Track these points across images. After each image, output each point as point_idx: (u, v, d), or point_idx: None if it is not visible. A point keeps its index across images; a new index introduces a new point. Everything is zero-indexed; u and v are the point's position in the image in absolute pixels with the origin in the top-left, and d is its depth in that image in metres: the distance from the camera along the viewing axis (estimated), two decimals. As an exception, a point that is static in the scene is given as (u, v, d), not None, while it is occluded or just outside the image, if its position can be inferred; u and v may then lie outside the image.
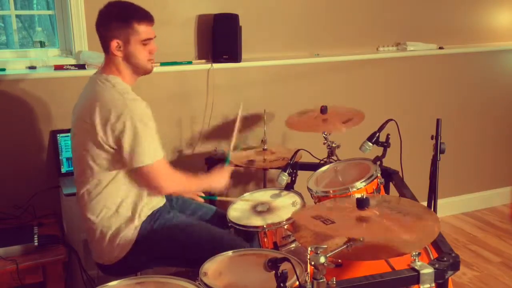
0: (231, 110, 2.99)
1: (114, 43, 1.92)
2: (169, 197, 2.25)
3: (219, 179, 2.16)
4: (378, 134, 2.23)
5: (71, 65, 2.55)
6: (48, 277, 2.11)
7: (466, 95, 3.72)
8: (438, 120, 1.96)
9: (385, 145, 2.17)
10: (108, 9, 1.95)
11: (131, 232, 1.97)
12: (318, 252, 1.31)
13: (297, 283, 1.48)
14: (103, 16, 1.95)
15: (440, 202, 2.13)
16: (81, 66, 2.56)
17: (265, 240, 1.99)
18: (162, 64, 2.71)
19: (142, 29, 1.93)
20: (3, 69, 2.50)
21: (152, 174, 1.91)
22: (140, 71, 2.01)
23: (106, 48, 1.96)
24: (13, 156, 2.53)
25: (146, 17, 1.95)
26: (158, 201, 2.12)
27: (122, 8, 1.95)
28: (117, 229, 1.96)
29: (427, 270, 1.47)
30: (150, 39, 1.97)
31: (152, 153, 1.89)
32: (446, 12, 3.56)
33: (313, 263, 1.31)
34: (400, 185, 2.19)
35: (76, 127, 1.97)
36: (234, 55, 2.86)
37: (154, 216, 2.05)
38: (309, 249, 1.32)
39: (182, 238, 1.99)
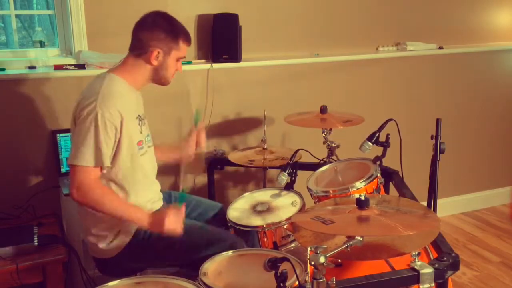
0: (231, 110, 3.00)
1: (155, 52, 1.94)
2: (167, 199, 2.25)
3: (156, 219, 1.88)
4: (378, 134, 2.23)
5: (71, 65, 2.55)
6: (48, 277, 2.11)
7: (466, 95, 3.72)
8: (438, 120, 1.96)
9: (385, 145, 2.17)
10: (158, 19, 1.98)
11: (127, 232, 1.96)
12: (318, 252, 1.31)
13: (297, 283, 1.48)
14: (151, 23, 1.97)
15: (440, 202, 2.14)
16: (81, 66, 2.56)
17: (265, 240, 1.99)
18: (162, 64, 2.71)
19: (183, 47, 2.01)
20: (3, 69, 2.50)
21: (71, 173, 1.87)
22: (159, 81, 2.04)
23: (140, 53, 1.96)
24: (13, 156, 2.53)
25: (189, 37, 2.03)
26: (154, 206, 2.12)
27: (172, 22, 2.00)
28: (111, 230, 1.96)
29: (427, 270, 1.48)
30: (183, 57, 2.04)
31: (86, 156, 1.84)
32: (446, 12, 3.56)
33: (313, 263, 1.31)
34: (400, 185, 2.19)
35: (70, 120, 1.98)
36: (234, 55, 2.86)
37: None
38: (309, 249, 1.32)
39: (178, 240, 1.97)
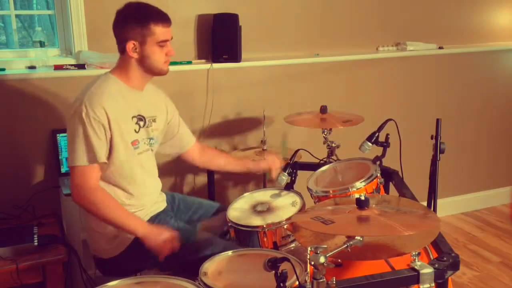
0: (231, 110, 3.00)
1: (130, 44, 1.92)
2: (171, 200, 2.25)
3: (152, 232, 1.89)
4: (377, 134, 2.23)
5: (71, 65, 2.55)
6: (48, 277, 2.11)
7: (466, 95, 3.72)
8: (438, 120, 1.96)
9: (385, 145, 2.17)
10: (125, 10, 1.96)
11: (128, 234, 1.96)
12: (318, 252, 1.31)
13: (297, 283, 1.48)
14: (120, 17, 1.95)
15: (440, 202, 2.14)
16: (81, 66, 2.56)
17: (265, 240, 1.99)
18: (162, 64, 2.71)
19: (159, 30, 1.93)
20: (3, 69, 2.50)
21: (71, 176, 1.88)
22: (154, 72, 2.00)
23: (121, 49, 1.96)
24: (13, 156, 2.53)
25: (163, 18, 1.95)
26: (157, 206, 2.12)
27: (139, 8, 1.96)
28: (113, 229, 1.96)
29: (427, 270, 1.47)
30: (166, 40, 1.97)
31: (80, 156, 1.85)
32: (446, 12, 3.56)
33: (313, 263, 1.31)
34: (400, 185, 2.19)
35: None
36: (234, 55, 2.86)
37: (154, 221, 2.05)
38: (309, 249, 1.32)
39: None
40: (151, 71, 2.00)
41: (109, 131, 1.89)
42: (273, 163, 2.33)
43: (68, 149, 1.88)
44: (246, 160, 2.44)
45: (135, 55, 1.94)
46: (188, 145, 2.31)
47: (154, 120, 2.08)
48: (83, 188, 1.85)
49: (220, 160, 2.38)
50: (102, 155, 1.87)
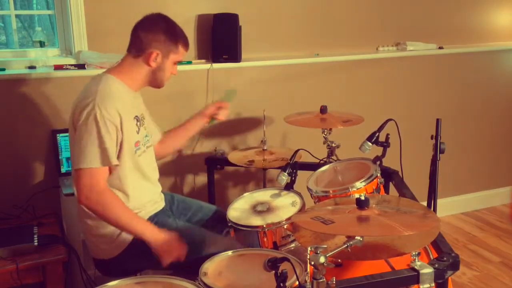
0: (231, 110, 2.98)
1: (154, 54, 1.95)
2: (170, 201, 2.25)
3: (159, 236, 1.88)
4: (377, 134, 2.23)
5: (71, 65, 2.55)
6: (48, 277, 2.11)
7: (466, 95, 3.72)
8: (438, 120, 1.96)
9: (385, 145, 2.17)
10: (159, 21, 1.99)
11: (126, 234, 1.96)
12: (318, 252, 1.31)
13: (297, 283, 1.48)
14: (152, 24, 1.98)
15: (439, 202, 2.14)
16: (81, 66, 2.56)
17: (265, 240, 1.99)
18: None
19: (182, 52, 2.02)
20: (3, 69, 2.50)
21: (78, 178, 1.85)
22: (155, 83, 2.04)
23: (139, 53, 1.96)
24: (13, 156, 2.53)
25: (187, 42, 2.05)
26: (156, 206, 2.12)
27: (173, 25, 2.02)
28: (112, 230, 1.96)
29: (427, 270, 1.48)
30: (180, 62, 2.06)
31: (92, 158, 1.83)
32: (446, 12, 3.56)
33: (313, 263, 1.31)
34: (400, 185, 2.19)
35: (68, 123, 1.98)
36: (234, 55, 2.86)
37: (152, 220, 2.05)
38: (309, 249, 1.32)
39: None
40: (154, 81, 2.03)
41: (120, 133, 1.89)
42: (213, 109, 2.37)
43: (77, 151, 1.85)
44: (188, 122, 2.40)
45: (154, 65, 1.97)
46: (157, 138, 2.31)
47: (143, 118, 2.10)
48: (93, 190, 1.84)
49: (173, 138, 2.36)
50: (114, 157, 1.87)
